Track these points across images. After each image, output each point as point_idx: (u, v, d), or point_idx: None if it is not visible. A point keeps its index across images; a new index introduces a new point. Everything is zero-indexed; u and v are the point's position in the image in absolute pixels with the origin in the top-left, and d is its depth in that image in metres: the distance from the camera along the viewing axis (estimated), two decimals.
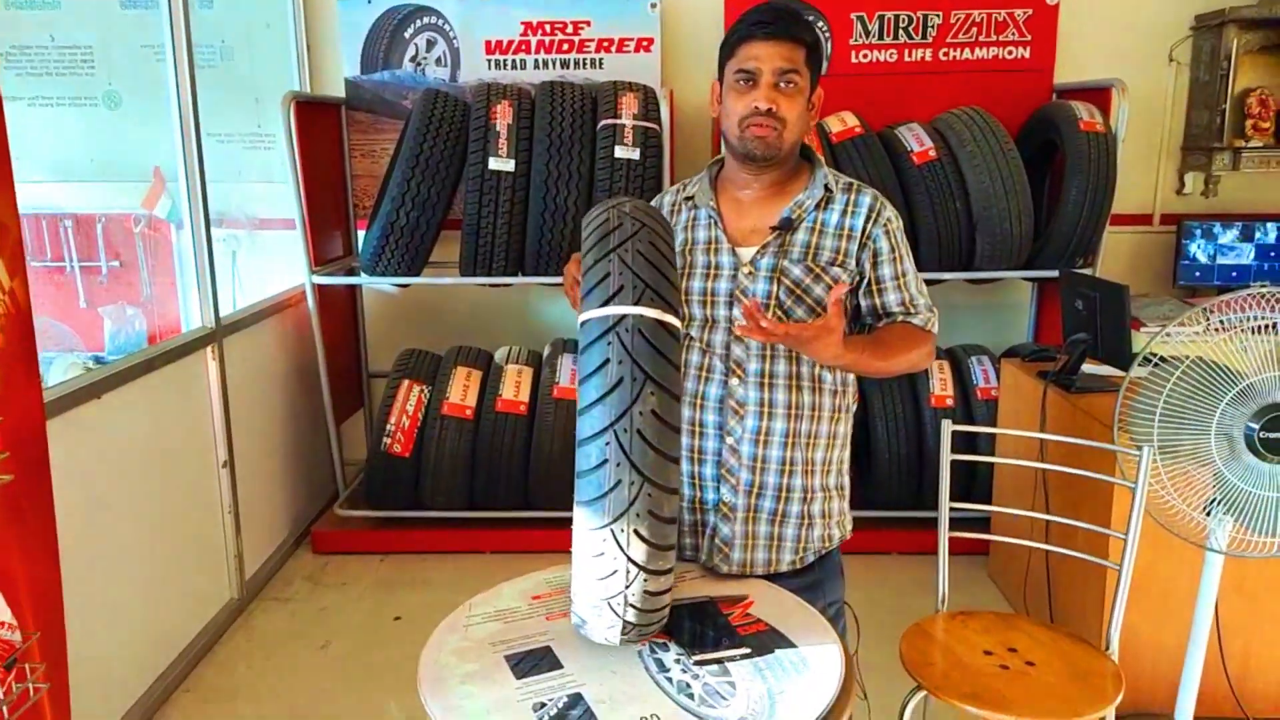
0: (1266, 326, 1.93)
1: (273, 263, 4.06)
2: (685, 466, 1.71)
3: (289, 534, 3.74)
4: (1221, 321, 1.97)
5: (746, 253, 1.68)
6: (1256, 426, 1.92)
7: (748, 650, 1.40)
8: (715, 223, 1.71)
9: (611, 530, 1.24)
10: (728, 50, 1.66)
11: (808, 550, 1.74)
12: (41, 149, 4.12)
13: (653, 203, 1.83)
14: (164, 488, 2.82)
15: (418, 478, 3.57)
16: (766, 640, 1.44)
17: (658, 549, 1.27)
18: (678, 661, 1.38)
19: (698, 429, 1.70)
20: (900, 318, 1.71)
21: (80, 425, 2.37)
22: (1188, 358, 1.94)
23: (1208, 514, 2.05)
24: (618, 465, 1.23)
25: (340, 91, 4.05)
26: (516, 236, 3.48)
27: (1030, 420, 2.84)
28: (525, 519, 3.60)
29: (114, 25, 4.05)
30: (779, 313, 1.65)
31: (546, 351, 3.78)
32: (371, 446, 3.62)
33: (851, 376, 1.75)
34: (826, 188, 1.69)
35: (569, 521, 1.33)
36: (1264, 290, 1.98)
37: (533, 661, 1.39)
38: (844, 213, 1.69)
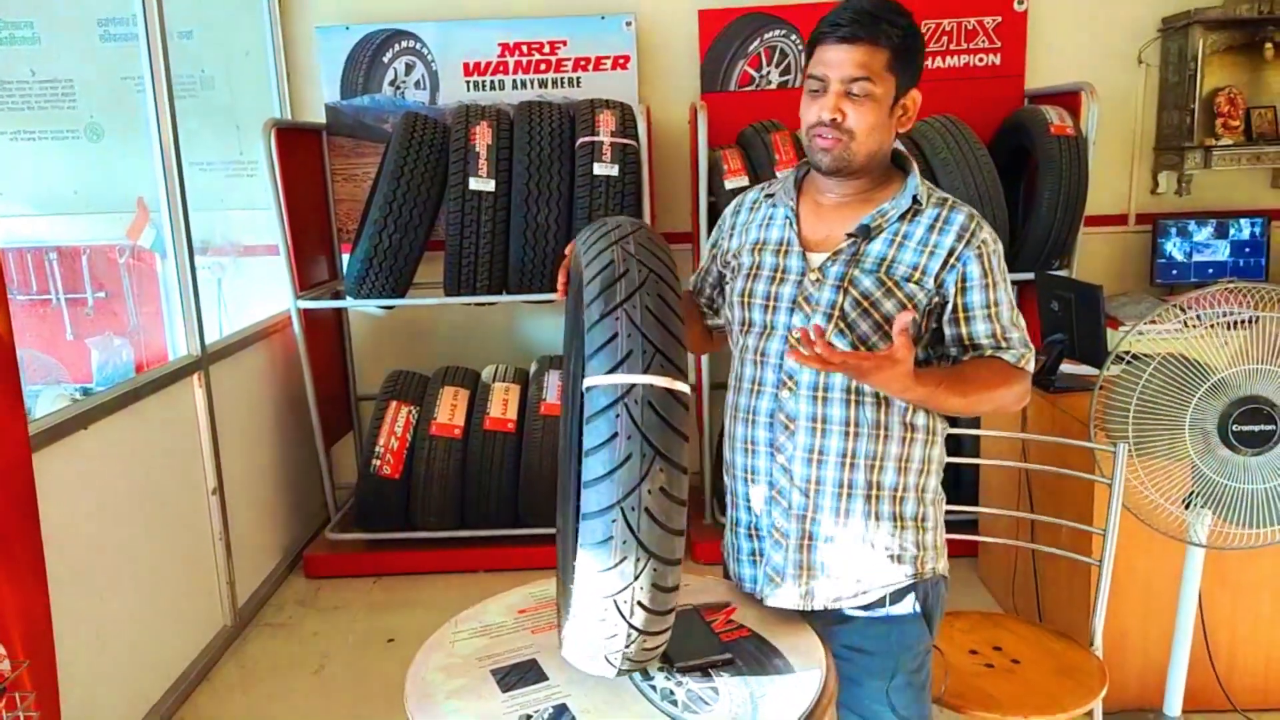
0: (1239, 322, 1.96)
1: (258, 289, 4.08)
2: (739, 488, 1.62)
3: (281, 559, 3.74)
4: (1199, 316, 2.01)
5: (817, 258, 1.56)
6: (1229, 420, 1.95)
7: (730, 656, 1.42)
8: (791, 223, 1.60)
9: (615, 600, 1.23)
10: (808, 53, 1.53)
11: (872, 587, 1.57)
12: (25, 183, 4.14)
13: (734, 201, 1.74)
14: (154, 516, 2.82)
15: (408, 499, 3.58)
16: (749, 645, 1.46)
17: (659, 614, 1.26)
18: (661, 669, 1.39)
19: (749, 446, 1.59)
20: (989, 351, 1.53)
21: (68, 456, 2.37)
22: (1159, 354, 1.97)
23: (1187, 508, 2.08)
24: (624, 543, 1.20)
25: (321, 117, 4.07)
26: (499, 255, 3.50)
27: (1011, 421, 2.87)
28: (516, 536, 3.60)
29: (94, 58, 4.07)
30: (842, 324, 1.52)
31: (533, 369, 3.80)
32: (361, 469, 3.63)
33: None
34: (915, 199, 1.55)
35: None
36: (1231, 285, 2.02)
37: (518, 675, 1.40)
38: (931, 228, 1.54)
